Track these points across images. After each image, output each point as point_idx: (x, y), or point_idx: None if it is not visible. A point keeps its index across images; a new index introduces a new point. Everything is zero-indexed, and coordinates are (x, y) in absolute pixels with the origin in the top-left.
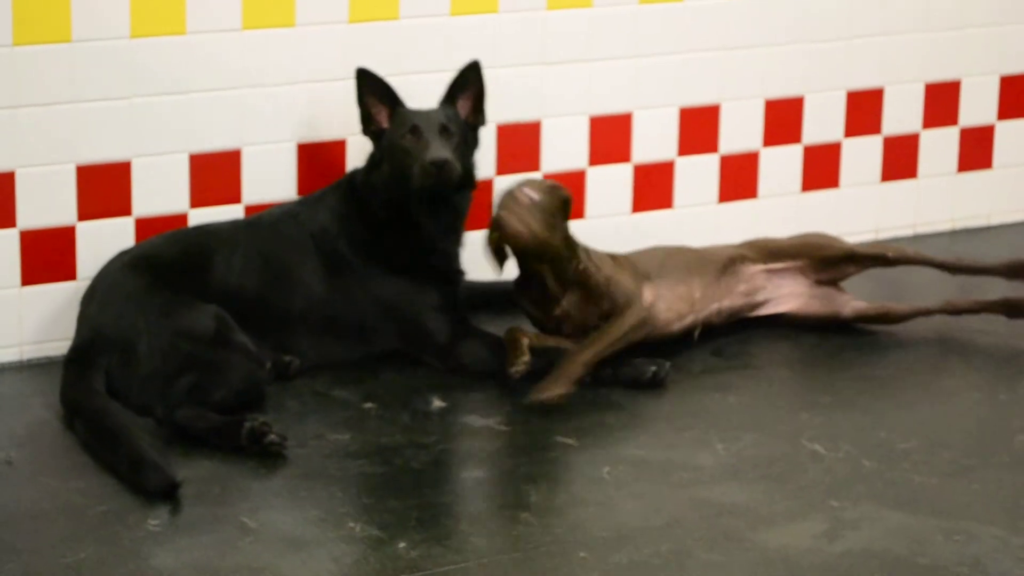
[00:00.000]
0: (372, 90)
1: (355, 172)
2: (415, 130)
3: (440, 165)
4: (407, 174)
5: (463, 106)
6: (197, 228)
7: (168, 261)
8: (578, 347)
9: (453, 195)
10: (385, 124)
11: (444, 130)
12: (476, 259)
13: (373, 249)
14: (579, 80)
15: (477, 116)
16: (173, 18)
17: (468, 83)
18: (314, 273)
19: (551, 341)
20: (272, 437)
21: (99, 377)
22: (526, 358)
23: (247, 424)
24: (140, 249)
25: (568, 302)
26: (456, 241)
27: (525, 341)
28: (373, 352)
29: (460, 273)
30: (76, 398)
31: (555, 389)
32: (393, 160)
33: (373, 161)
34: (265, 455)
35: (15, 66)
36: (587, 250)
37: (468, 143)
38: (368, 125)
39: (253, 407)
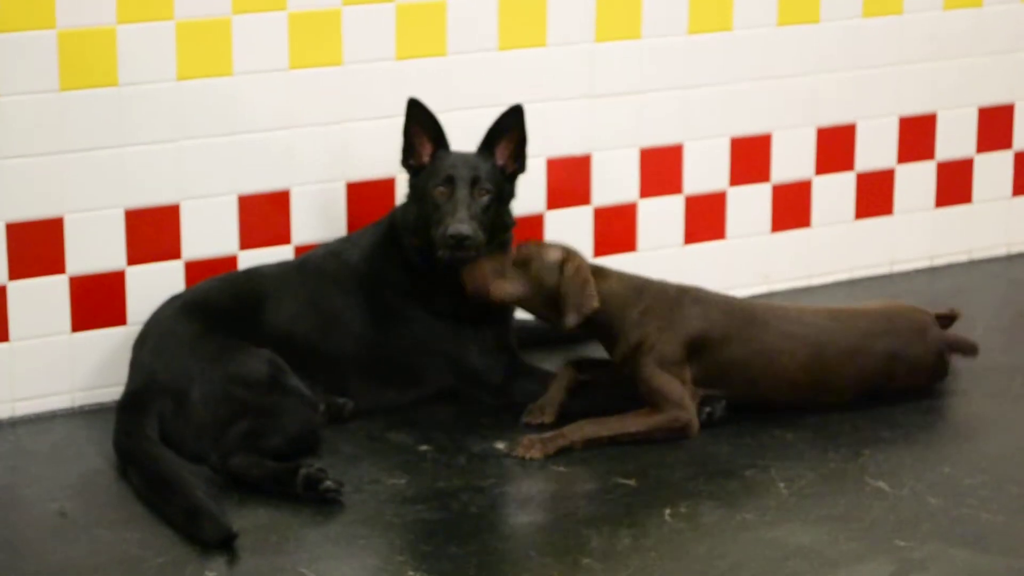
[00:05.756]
0: (419, 122)
1: (396, 209)
2: (449, 181)
3: (459, 240)
4: (432, 231)
5: (503, 151)
6: (247, 272)
7: (220, 306)
8: (590, 421)
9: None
10: (426, 160)
11: (476, 183)
12: None
13: (413, 291)
14: (630, 113)
15: (516, 163)
16: (220, 60)
17: (508, 128)
18: (361, 315)
19: (608, 375)
20: (328, 484)
21: (152, 424)
22: (545, 418)
23: (302, 471)
24: (192, 294)
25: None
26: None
27: (555, 402)
28: (426, 393)
29: (509, 310)
30: (129, 446)
31: (534, 452)
32: (422, 207)
33: (407, 199)
34: (321, 502)
35: (62, 111)
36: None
37: (502, 196)
38: (408, 158)
39: (308, 452)
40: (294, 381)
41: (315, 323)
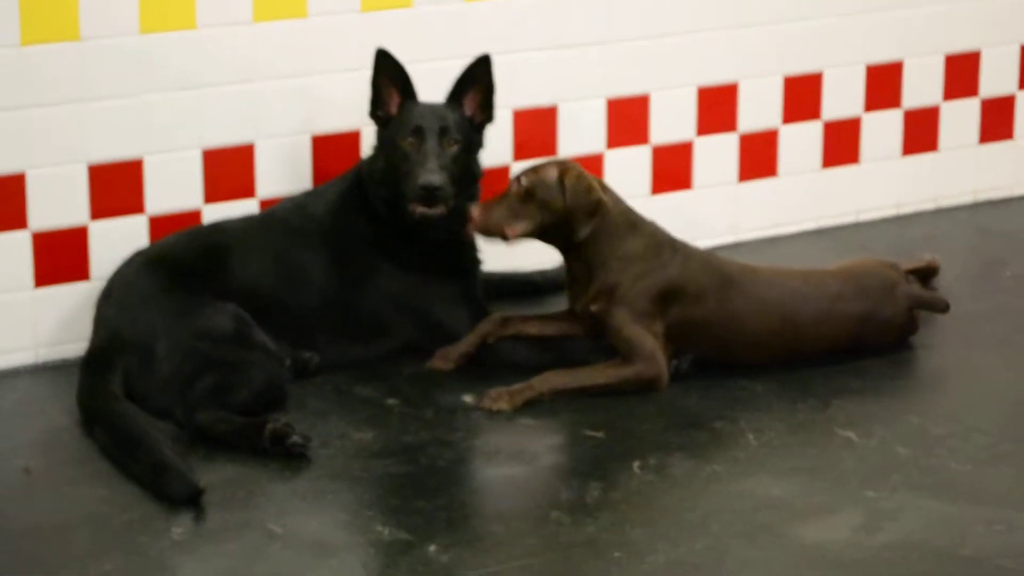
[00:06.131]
0: (388, 73)
1: (362, 162)
2: (417, 132)
3: (430, 191)
4: (401, 183)
5: (471, 102)
6: (212, 226)
7: (184, 260)
8: (558, 373)
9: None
10: (394, 111)
11: (445, 134)
12: (499, 249)
13: (379, 244)
14: (596, 63)
15: (484, 113)
16: (183, 12)
17: (476, 79)
18: (325, 269)
19: (540, 329)
20: (295, 439)
21: (117, 380)
22: (446, 366)
23: (269, 426)
24: (156, 249)
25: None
26: (464, 235)
27: (462, 352)
28: (393, 347)
29: (476, 263)
30: (94, 403)
31: (502, 404)
32: (391, 158)
33: (375, 151)
34: (288, 457)
35: (23, 65)
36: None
37: (471, 146)
38: (376, 109)
39: (275, 407)
40: (259, 335)
41: (280, 277)
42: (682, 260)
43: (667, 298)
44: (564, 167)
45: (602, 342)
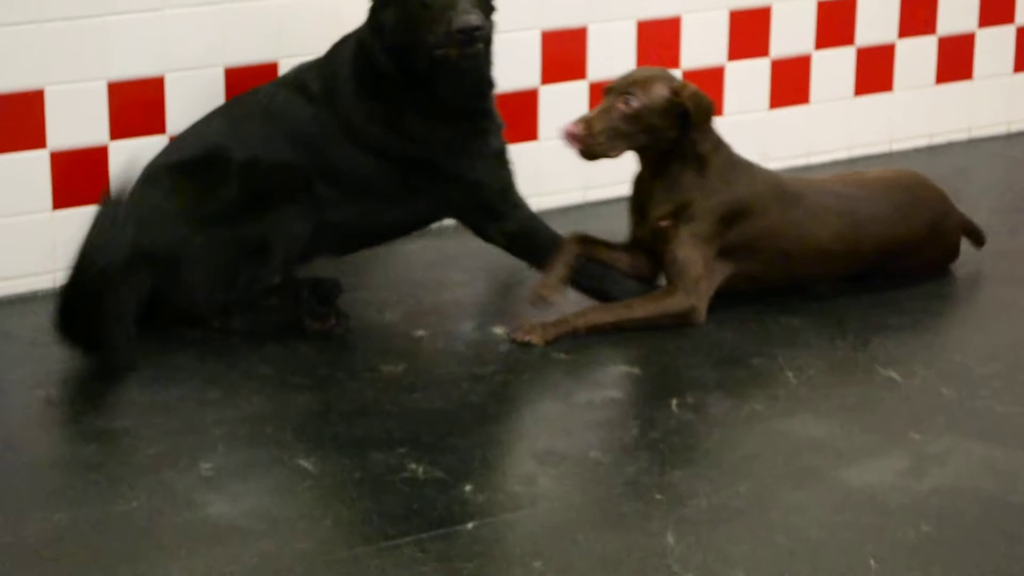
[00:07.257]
0: None
1: (361, 28)
2: None
3: (469, 32)
4: (424, 34)
5: None
6: (208, 117)
7: (183, 164)
8: (596, 308)
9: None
10: None
11: None
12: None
13: (394, 122)
14: None
15: None
16: None
17: None
18: (342, 148)
19: (609, 256)
20: (339, 305)
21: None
22: (553, 295)
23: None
24: (153, 161)
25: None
26: (485, 102)
27: (560, 272)
28: (421, 218)
29: (500, 128)
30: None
31: (535, 337)
32: (404, 9)
33: (379, 3)
34: (330, 318)
35: None
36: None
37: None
38: None
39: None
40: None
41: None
42: (749, 179)
43: (733, 217)
44: (674, 85)
45: (655, 275)
